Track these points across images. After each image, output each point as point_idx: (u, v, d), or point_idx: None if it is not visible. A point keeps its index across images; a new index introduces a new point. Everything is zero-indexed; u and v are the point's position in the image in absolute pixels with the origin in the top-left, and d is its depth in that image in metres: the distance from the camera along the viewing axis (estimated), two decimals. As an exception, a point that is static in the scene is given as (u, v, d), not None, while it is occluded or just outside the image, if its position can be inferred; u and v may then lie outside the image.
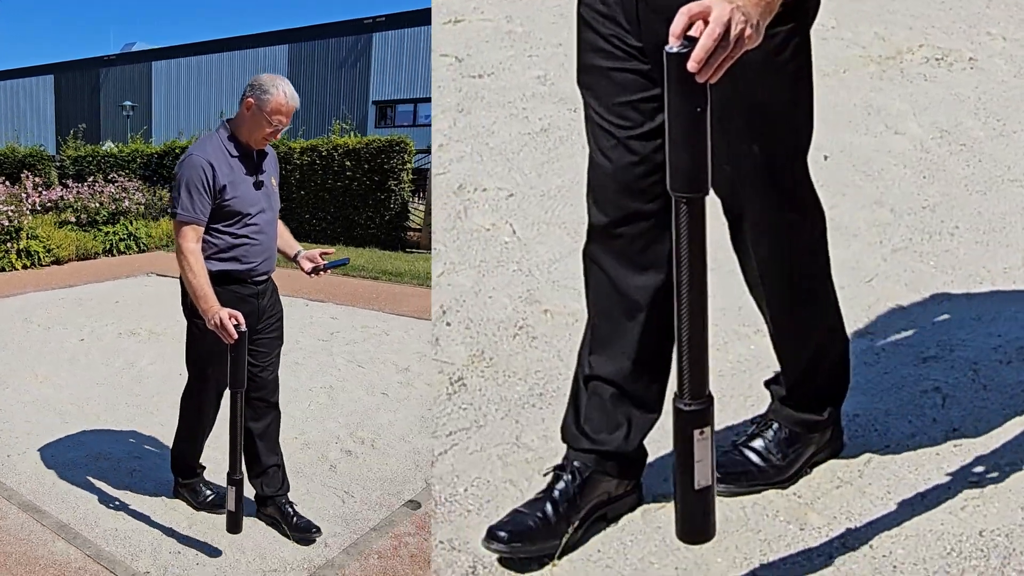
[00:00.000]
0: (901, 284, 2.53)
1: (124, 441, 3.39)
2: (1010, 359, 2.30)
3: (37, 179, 9.50)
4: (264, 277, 2.55)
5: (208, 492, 2.73)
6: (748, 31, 1.27)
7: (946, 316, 2.45)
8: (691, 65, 1.24)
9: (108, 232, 9.07)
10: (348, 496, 2.90)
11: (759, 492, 1.88)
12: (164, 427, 3.53)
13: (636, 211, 1.67)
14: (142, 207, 9.73)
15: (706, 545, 1.70)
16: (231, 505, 2.37)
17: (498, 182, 2.93)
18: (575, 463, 1.75)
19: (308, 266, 2.66)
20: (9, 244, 7.82)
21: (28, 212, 8.11)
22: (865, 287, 2.53)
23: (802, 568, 1.70)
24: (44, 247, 8.11)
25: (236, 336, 2.27)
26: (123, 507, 2.77)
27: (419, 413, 3.73)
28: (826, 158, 3.07)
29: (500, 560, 1.73)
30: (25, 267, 7.92)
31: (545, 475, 1.79)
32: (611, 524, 1.80)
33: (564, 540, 1.71)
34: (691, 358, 1.40)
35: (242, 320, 2.30)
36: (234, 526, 2.39)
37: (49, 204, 9.30)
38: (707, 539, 1.50)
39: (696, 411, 1.41)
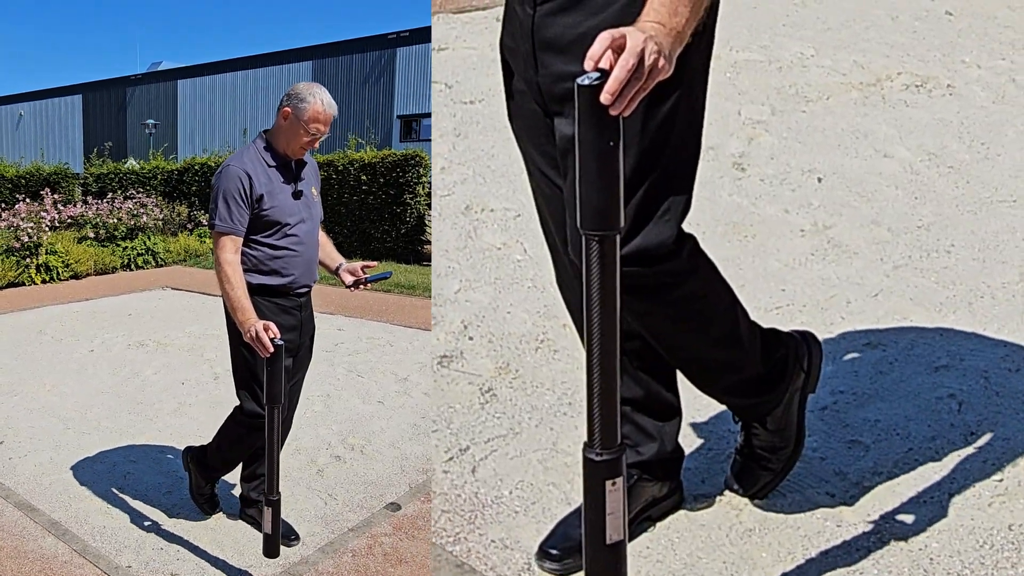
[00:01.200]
0: (906, 299, 2.64)
1: (121, 446, 3.54)
2: (1019, 367, 2.36)
3: (56, 196, 9.83)
4: (305, 289, 2.49)
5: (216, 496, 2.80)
6: (661, 62, 1.24)
7: (952, 328, 2.53)
8: (604, 97, 1.19)
9: (126, 247, 9.34)
10: (331, 498, 3.01)
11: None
12: (161, 433, 3.68)
13: None
14: (160, 223, 10.03)
15: (751, 540, 1.86)
16: (267, 528, 2.29)
17: (504, 203, 3.08)
18: None
19: (349, 280, 2.53)
20: (29, 259, 8.10)
21: (48, 228, 8.41)
22: (872, 301, 2.64)
23: (843, 561, 1.79)
24: (63, 262, 8.37)
25: (272, 349, 2.19)
26: (113, 507, 2.88)
27: (412, 421, 3.85)
28: (820, 180, 3.22)
29: None
30: (44, 281, 8.18)
31: None
32: (656, 523, 1.90)
33: None
34: (602, 406, 1.31)
35: (277, 332, 2.22)
36: (271, 549, 2.31)
37: (69, 220, 9.61)
38: None
39: (608, 461, 1.33)
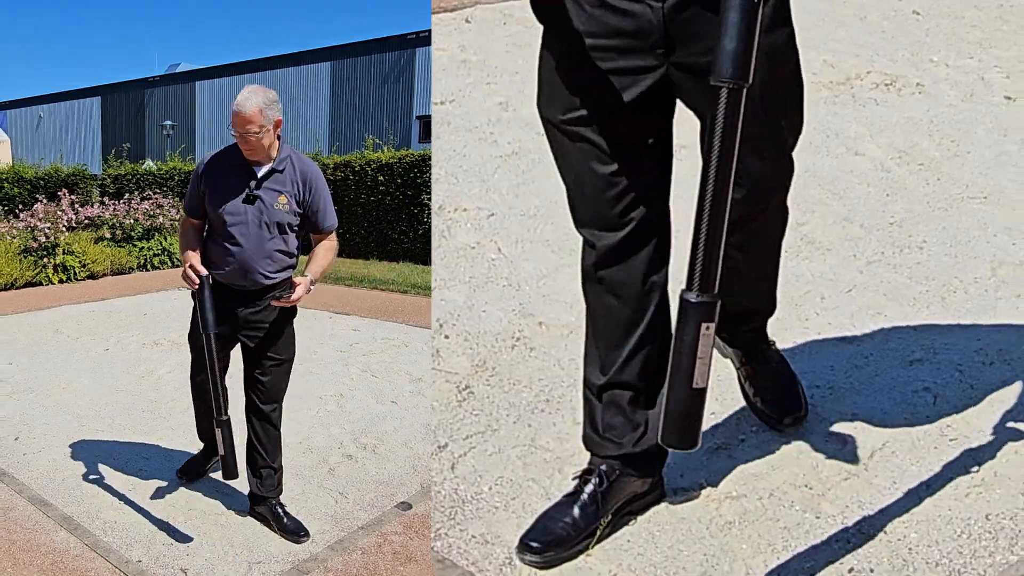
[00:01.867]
0: (880, 294, 2.67)
1: (134, 442, 3.60)
2: (992, 361, 2.39)
3: (74, 197, 9.96)
4: (240, 288, 2.59)
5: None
6: None
7: (926, 323, 2.57)
8: None
9: (142, 248, 9.46)
10: (342, 497, 3.05)
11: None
12: (173, 431, 3.73)
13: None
14: (175, 223, 10.13)
15: (731, 533, 1.91)
16: (221, 449, 2.46)
17: (477, 203, 3.12)
18: (602, 467, 1.90)
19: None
20: (46, 260, 8.23)
21: (64, 229, 8.53)
22: (846, 297, 2.67)
23: (823, 553, 1.85)
24: (80, 262, 8.50)
25: (197, 282, 2.48)
26: (125, 502, 2.95)
27: (424, 421, 3.88)
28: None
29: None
30: (61, 281, 8.30)
31: (574, 479, 1.93)
32: (637, 517, 1.95)
33: (594, 541, 1.85)
34: (706, 249, 1.40)
35: (202, 270, 2.50)
36: (228, 471, 2.48)
37: (87, 221, 9.73)
38: (694, 445, 1.46)
39: (705, 304, 1.40)
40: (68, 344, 5.54)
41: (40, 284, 8.14)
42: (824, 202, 3.09)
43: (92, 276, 8.62)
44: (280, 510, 2.75)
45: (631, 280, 1.82)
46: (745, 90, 1.37)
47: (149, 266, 9.44)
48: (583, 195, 1.81)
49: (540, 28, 1.79)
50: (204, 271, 2.51)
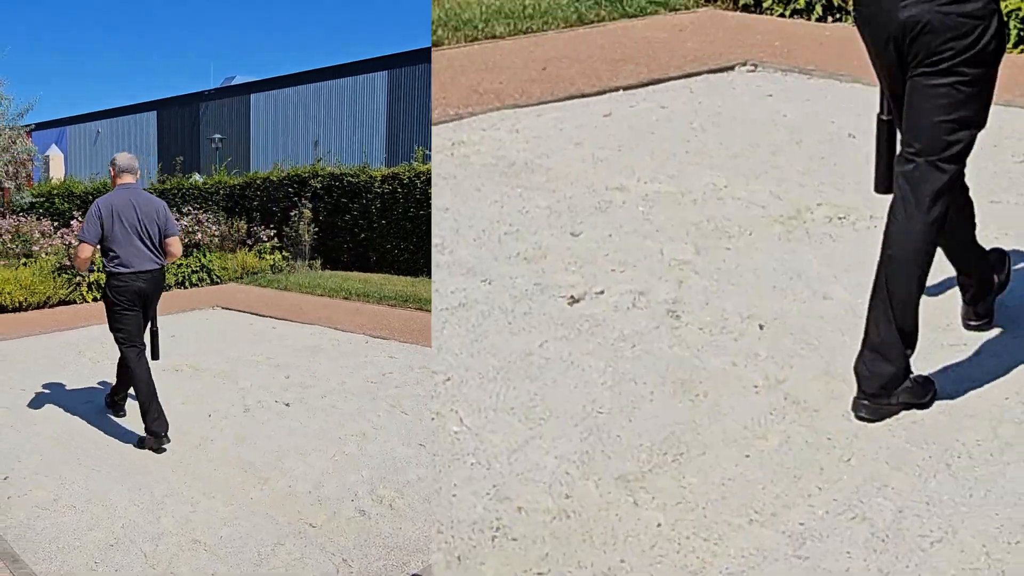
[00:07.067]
0: (881, 462, 2.43)
1: (127, 487, 3.36)
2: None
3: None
4: (144, 272, 3.95)
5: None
6: None
7: (937, 494, 2.31)
8: None
9: (180, 265, 9.37)
10: (344, 564, 2.73)
11: None
12: (174, 472, 3.48)
13: None
14: (215, 239, 10.05)
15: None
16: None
17: (434, 365, 2.94)
18: None
19: None
20: (80, 277, 8.20)
21: (99, 246, 8.49)
22: (846, 467, 2.42)
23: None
24: (114, 280, 8.45)
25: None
26: (100, 564, 2.70)
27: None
28: (762, 327, 3.10)
29: None
30: (95, 299, 8.25)
31: None
32: None
33: None
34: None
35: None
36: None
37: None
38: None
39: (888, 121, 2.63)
40: (88, 367, 5.40)
41: (74, 303, 8.10)
42: (800, 354, 2.93)
43: (126, 294, 8.56)
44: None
45: None
46: None
47: (187, 283, 9.33)
48: None
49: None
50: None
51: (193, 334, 6.50)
